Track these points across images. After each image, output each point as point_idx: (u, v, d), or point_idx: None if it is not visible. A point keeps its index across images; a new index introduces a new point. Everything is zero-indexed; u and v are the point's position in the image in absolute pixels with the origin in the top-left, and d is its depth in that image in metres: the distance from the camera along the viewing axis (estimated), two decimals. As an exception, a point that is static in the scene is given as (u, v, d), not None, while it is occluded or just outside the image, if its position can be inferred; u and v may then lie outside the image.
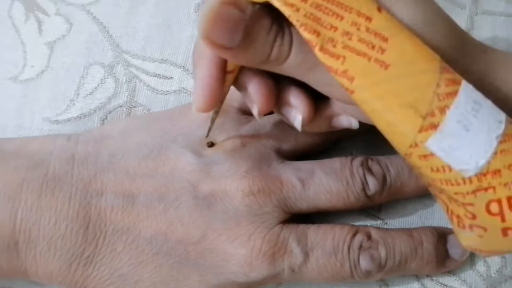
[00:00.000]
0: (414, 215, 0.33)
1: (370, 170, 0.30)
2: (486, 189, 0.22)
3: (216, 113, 0.30)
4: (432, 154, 0.22)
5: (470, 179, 0.22)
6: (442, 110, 0.22)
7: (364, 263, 0.29)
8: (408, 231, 0.30)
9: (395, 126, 0.22)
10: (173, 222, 0.29)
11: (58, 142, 0.31)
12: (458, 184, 0.22)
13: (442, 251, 0.30)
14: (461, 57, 0.25)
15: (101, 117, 0.34)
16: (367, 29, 0.23)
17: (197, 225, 0.28)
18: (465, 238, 0.24)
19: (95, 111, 0.34)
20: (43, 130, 0.34)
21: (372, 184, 0.30)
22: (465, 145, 0.22)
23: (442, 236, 0.31)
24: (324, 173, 0.30)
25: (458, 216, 0.24)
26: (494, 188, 0.22)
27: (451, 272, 0.32)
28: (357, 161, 0.30)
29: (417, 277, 0.32)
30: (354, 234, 0.29)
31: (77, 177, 0.29)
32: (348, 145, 0.33)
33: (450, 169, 0.22)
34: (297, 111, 0.28)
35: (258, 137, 0.31)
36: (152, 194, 0.29)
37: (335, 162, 0.30)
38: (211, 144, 0.30)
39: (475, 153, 0.22)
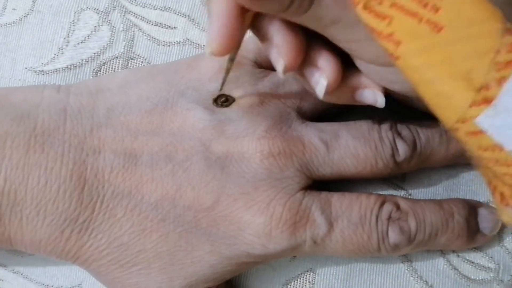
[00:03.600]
0: (440, 186, 0.30)
1: (399, 135, 0.27)
2: None
3: (232, 61, 0.26)
4: (482, 131, 0.20)
5: None
6: (499, 82, 0.20)
7: (394, 235, 0.26)
8: (438, 202, 0.28)
9: (443, 98, 0.20)
10: (182, 185, 0.25)
11: (46, 92, 0.27)
12: (508, 165, 0.20)
13: (473, 224, 0.28)
14: None
15: (94, 69, 0.31)
16: None
17: (209, 189, 0.25)
18: (508, 215, 0.22)
19: (87, 61, 0.31)
20: (26, 81, 0.30)
21: (403, 150, 0.27)
22: None
23: (472, 209, 0.28)
24: (350, 136, 0.27)
25: (501, 194, 0.22)
26: None
27: (477, 249, 0.29)
28: (386, 124, 0.27)
29: (443, 253, 0.29)
30: (382, 204, 0.27)
31: (70, 132, 0.26)
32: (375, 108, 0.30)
33: (501, 149, 0.20)
34: (322, 74, 0.24)
35: (278, 94, 0.28)
36: (158, 154, 0.26)
37: (362, 125, 0.27)
38: (225, 100, 0.27)
39: None
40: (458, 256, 0.29)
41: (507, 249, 0.29)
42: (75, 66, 0.30)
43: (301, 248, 0.26)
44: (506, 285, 0.29)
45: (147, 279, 0.26)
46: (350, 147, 0.26)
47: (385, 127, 0.27)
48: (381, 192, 0.29)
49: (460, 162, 0.29)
